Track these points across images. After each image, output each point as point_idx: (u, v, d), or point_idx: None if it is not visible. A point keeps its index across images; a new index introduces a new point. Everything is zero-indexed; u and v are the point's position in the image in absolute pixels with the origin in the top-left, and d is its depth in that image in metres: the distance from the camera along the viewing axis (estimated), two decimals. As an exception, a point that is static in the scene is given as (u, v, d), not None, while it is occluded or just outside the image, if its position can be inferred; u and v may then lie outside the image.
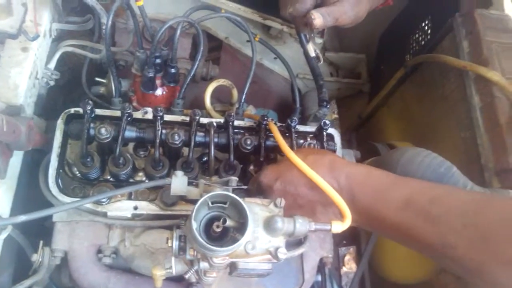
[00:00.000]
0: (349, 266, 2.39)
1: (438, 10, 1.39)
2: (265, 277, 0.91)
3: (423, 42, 1.51)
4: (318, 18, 1.07)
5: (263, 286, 1.13)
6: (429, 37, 1.47)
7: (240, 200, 0.82)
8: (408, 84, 1.54)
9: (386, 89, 1.62)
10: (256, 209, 0.87)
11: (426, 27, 1.49)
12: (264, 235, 0.85)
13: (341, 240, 1.85)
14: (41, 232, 1.16)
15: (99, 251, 1.12)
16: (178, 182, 0.94)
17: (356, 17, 1.13)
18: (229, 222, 0.83)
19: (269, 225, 0.84)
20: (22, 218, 0.85)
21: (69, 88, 1.66)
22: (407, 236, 0.83)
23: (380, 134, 1.71)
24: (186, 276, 0.91)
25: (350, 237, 1.84)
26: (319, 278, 1.30)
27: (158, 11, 1.53)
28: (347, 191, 0.89)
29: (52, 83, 1.33)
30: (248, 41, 1.42)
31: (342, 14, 1.10)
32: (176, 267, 0.93)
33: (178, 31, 1.17)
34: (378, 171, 0.91)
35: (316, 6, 1.13)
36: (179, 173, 0.96)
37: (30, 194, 1.23)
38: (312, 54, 1.25)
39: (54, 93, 1.46)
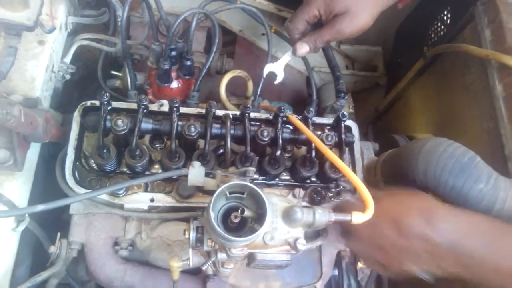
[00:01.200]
0: (364, 261, 2.36)
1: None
2: (283, 269, 0.90)
3: (442, 33, 1.47)
4: (301, 50, 1.15)
5: (281, 278, 1.11)
6: (448, 27, 1.44)
7: (259, 190, 0.81)
8: (427, 76, 1.51)
9: (404, 81, 1.59)
10: (274, 200, 0.85)
11: (445, 18, 1.46)
12: (283, 226, 0.83)
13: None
14: (58, 225, 1.16)
15: (116, 243, 1.12)
16: (195, 173, 0.93)
17: (361, 28, 1.11)
18: (247, 213, 0.82)
19: (288, 216, 0.83)
20: (40, 207, 0.85)
21: (84, 84, 1.67)
22: None
23: (398, 127, 1.68)
24: (203, 268, 0.90)
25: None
26: (336, 272, 1.28)
27: (173, 4, 1.53)
28: (448, 243, 0.82)
29: (68, 77, 1.33)
30: (263, 34, 1.42)
31: (336, 34, 1.12)
32: (193, 259, 0.92)
33: (194, 22, 1.17)
34: (482, 217, 0.85)
35: (311, 25, 1.15)
36: (196, 164, 0.95)
37: (47, 187, 1.23)
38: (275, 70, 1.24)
39: (69, 88, 1.47)
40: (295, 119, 1.12)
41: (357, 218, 0.82)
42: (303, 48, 1.14)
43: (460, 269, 0.82)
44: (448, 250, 0.81)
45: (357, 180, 0.85)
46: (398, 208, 0.85)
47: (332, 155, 0.95)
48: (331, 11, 1.08)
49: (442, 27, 1.48)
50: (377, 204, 0.82)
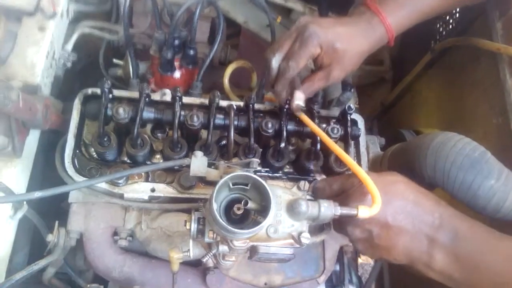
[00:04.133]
0: (365, 257, 2.35)
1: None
2: (286, 262, 0.88)
3: (451, 27, 1.45)
4: (298, 102, 1.03)
5: (283, 272, 1.09)
6: (457, 20, 1.41)
7: (263, 181, 0.78)
8: (435, 70, 1.48)
9: (411, 75, 1.56)
10: (279, 192, 0.83)
11: (454, 11, 1.43)
12: (287, 219, 0.81)
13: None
14: (57, 214, 1.15)
15: (115, 233, 1.10)
16: (198, 163, 0.91)
17: (348, 73, 1.08)
18: (250, 205, 0.79)
19: (292, 209, 0.81)
20: (38, 194, 0.83)
21: (86, 73, 1.64)
22: None
23: (404, 122, 1.66)
24: (204, 260, 0.88)
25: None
26: (337, 267, 1.26)
27: (177, -7, 1.50)
28: (450, 229, 0.81)
29: (69, 64, 1.31)
30: (268, 25, 1.38)
31: (329, 81, 1.05)
32: (194, 251, 0.90)
33: (198, 10, 1.14)
34: (479, 222, 0.84)
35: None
36: (199, 154, 0.92)
37: (46, 175, 1.22)
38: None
39: (71, 78, 1.45)
40: (305, 117, 1.09)
41: (363, 212, 0.80)
42: (301, 99, 1.04)
43: (448, 261, 0.80)
44: (448, 238, 0.80)
45: (363, 173, 0.83)
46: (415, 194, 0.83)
47: (336, 148, 0.93)
48: (332, 52, 1.00)
49: (451, 20, 1.45)
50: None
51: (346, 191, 0.86)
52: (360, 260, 2.28)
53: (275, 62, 1.03)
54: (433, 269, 0.81)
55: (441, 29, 1.51)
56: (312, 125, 1.04)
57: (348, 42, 1.01)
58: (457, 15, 1.43)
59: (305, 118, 1.07)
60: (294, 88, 1.05)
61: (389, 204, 0.80)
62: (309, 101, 1.12)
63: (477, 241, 0.79)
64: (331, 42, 1.00)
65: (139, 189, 1.06)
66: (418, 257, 0.82)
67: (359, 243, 0.87)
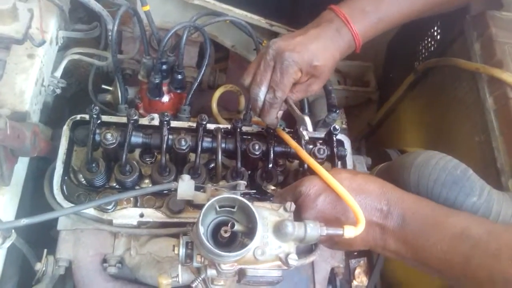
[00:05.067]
0: (360, 280, 2.32)
1: (447, 15, 1.37)
2: (275, 285, 0.88)
3: (432, 48, 1.49)
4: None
5: (273, 296, 1.09)
6: (438, 42, 1.45)
7: (249, 203, 0.79)
8: (418, 90, 1.51)
9: (396, 95, 1.59)
10: (265, 214, 0.84)
11: (435, 33, 1.47)
12: (274, 240, 0.82)
13: (352, 251, 1.80)
14: (46, 243, 1.14)
15: (104, 260, 1.09)
16: (185, 186, 0.92)
17: (324, 83, 1.13)
18: (237, 227, 0.80)
19: (279, 230, 0.81)
20: (25, 221, 0.83)
21: (75, 100, 1.66)
22: (460, 268, 0.77)
23: (390, 141, 1.68)
24: (193, 285, 0.88)
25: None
26: (330, 289, 1.26)
27: (164, 19, 1.53)
28: (397, 215, 0.85)
29: (58, 91, 1.32)
30: (254, 49, 1.42)
31: (308, 93, 1.10)
32: (182, 276, 0.90)
33: (185, 36, 1.17)
34: (428, 200, 0.88)
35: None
36: (186, 177, 0.93)
37: (35, 204, 1.21)
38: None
39: (61, 105, 1.46)
40: (282, 132, 1.11)
41: (349, 232, 0.81)
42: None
43: (400, 245, 0.85)
44: (396, 224, 0.85)
45: (343, 192, 0.84)
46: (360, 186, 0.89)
47: (316, 166, 0.94)
48: (311, 70, 1.04)
49: (433, 42, 1.49)
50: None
51: (297, 202, 0.90)
52: (355, 283, 2.25)
53: (262, 94, 1.05)
54: (389, 251, 0.87)
55: (423, 50, 1.55)
56: (294, 144, 1.08)
57: (324, 57, 1.04)
58: (438, 36, 1.47)
59: (285, 136, 1.10)
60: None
61: (338, 202, 0.86)
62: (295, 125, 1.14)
63: (422, 223, 0.83)
64: (308, 63, 1.03)
65: (128, 215, 1.06)
66: (374, 243, 0.88)
67: (323, 243, 0.94)
